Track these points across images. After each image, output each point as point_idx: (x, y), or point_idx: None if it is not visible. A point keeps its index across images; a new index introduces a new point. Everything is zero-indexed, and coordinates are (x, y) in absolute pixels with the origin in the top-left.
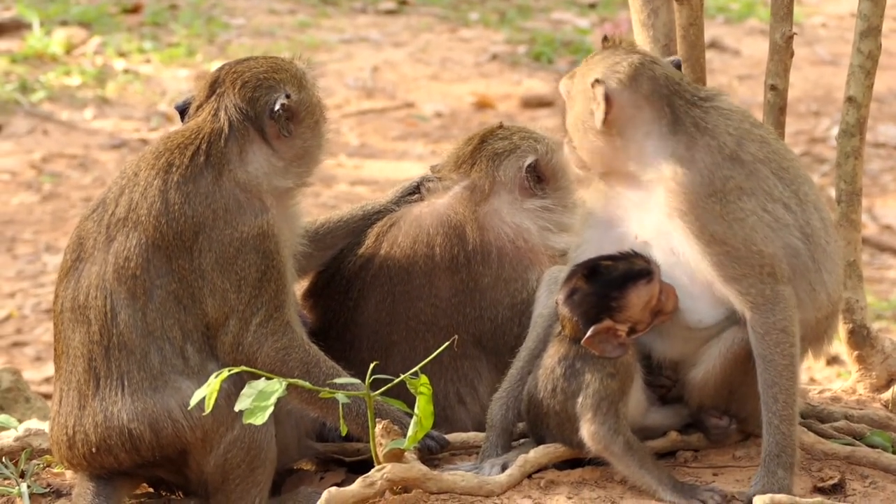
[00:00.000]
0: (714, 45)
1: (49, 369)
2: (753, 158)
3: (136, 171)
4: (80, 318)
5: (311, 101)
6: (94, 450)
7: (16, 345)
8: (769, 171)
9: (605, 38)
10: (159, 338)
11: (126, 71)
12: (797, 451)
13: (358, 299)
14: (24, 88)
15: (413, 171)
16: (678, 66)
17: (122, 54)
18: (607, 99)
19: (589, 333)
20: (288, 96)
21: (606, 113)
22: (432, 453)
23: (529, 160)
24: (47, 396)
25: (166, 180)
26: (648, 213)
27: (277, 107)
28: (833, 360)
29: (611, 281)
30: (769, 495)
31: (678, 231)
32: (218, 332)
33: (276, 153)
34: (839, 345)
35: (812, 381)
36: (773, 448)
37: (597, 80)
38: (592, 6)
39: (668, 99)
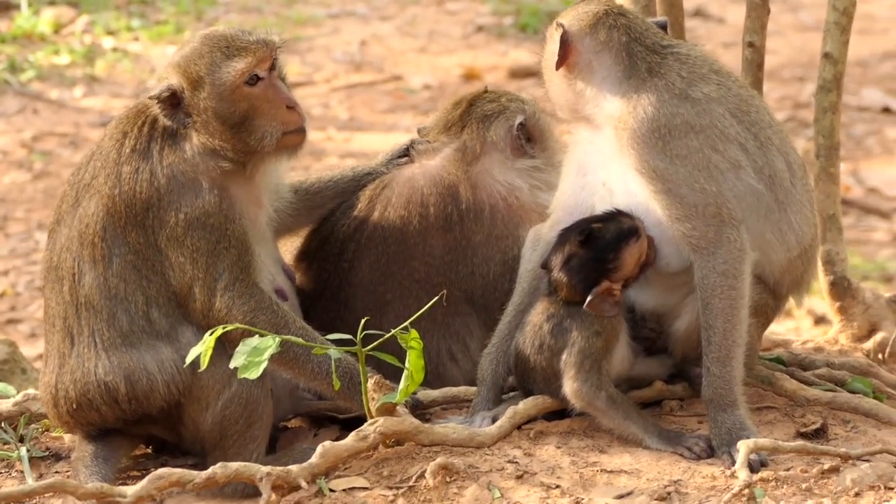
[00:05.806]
0: (699, 13)
1: (43, 346)
2: (705, 97)
3: (103, 138)
4: (54, 278)
5: (194, 76)
6: (74, 405)
7: (10, 322)
8: (725, 110)
9: None
10: (124, 300)
11: (115, 49)
12: (736, 392)
13: (353, 260)
14: (14, 68)
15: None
16: (664, 26)
17: (110, 32)
18: (566, 43)
19: (590, 297)
20: (170, 87)
21: (563, 56)
22: (417, 409)
23: (520, 119)
24: None
25: (120, 152)
26: (606, 156)
27: (155, 92)
28: (821, 320)
29: (606, 244)
30: (752, 440)
31: (628, 170)
32: (187, 301)
33: (198, 134)
34: (823, 301)
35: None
36: (706, 392)
37: (559, 24)
38: None
39: (628, 47)
